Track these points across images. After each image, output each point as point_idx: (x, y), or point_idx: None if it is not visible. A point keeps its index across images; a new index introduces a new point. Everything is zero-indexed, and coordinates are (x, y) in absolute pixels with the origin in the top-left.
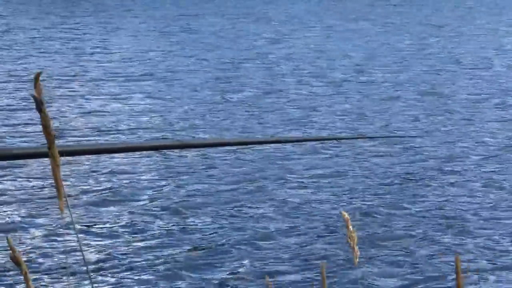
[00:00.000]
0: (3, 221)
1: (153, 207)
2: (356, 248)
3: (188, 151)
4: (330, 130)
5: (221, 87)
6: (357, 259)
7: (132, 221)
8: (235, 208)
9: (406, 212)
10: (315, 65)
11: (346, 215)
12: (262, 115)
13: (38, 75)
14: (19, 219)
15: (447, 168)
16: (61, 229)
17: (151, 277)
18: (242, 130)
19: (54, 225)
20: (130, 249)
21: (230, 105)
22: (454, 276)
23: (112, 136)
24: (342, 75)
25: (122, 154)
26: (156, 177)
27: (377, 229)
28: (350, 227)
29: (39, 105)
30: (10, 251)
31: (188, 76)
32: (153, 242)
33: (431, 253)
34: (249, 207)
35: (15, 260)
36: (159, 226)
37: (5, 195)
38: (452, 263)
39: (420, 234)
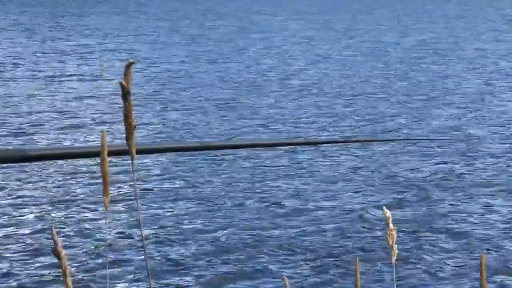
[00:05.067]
0: (45, 217)
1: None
2: (395, 246)
3: (209, 152)
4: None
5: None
6: (395, 258)
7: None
8: (261, 207)
9: (443, 212)
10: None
11: (388, 213)
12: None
13: (130, 64)
14: (60, 216)
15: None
16: (103, 226)
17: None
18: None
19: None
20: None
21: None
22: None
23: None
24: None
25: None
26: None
27: (413, 230)
28: (391, 224)
29: (125, 94)
30: (54, 245)
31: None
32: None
33: (469, 255)
34: (277, 206)
35: (56, 254)
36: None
37: (45, 191)
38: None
39: (457, 236)
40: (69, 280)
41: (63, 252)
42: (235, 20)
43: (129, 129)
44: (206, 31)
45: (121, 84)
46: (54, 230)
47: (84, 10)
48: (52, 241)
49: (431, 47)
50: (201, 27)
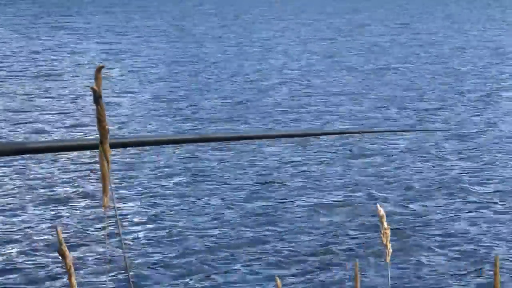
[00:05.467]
0: (41, 215)
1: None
2: (389, 245)
3: (208, 144)
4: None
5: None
6: (389, 256)
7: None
8: (257, 206)
9: (440, 210)
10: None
11: (382, 211)
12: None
13: (100, 68)
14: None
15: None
16: (102, 224)
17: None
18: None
19: (95, 220)
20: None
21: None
22: (484, 278)
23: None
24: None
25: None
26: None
27: (408, 226)
28: (385, 223)
29: (97, 98)
30: (58, 244)
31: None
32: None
33: (465, 252)
34: (273, 204)
35: (61, 253)
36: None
37: (40, 188)
38: (483, 264)
39: (453, 233)
40: (74, 279)
41: (68, 251)
42: (221, 20)
43: (103, 133)
44: (189, 31)
45: (92, 88)
46: (60, 229)
47: (73, 10)
48: (57, 239)
49: (411, 44)
50: (186, 27)
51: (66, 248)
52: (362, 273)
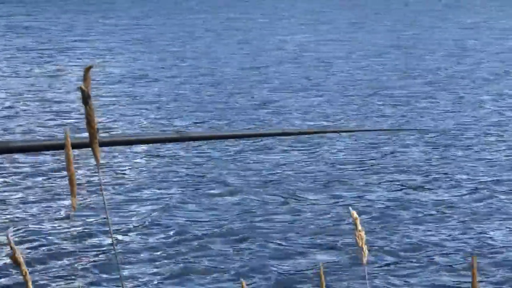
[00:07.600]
0: (11, 216)
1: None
2: (365, 247)
3: (188, 143)
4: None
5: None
6: (366, 258)
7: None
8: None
9: (416, 210)
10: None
11: (355, 214)
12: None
13: (89, 68)
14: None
15: (458, 163)
16: (70, 226)
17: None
18: (247, 122)
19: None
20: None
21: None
22: (461, 278)
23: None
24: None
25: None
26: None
27: (384, 227)
28: (359, 226)
29: (86, 98)
30: (11, 251)
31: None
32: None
33: (442, 253)
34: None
35: (15, 260)
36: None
37: (13, 187)
38: (459, 265)
39: (430, 234)
40: (30, 285)
41: (22, 258)
42: (186, 19)
43: (93, 133)
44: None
45: (81, 88)
46: (11, 237)
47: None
48: (9, 247)
49: (368, 45)
50: (164, 26)
51: (20, 255)
52: (340, 275)
